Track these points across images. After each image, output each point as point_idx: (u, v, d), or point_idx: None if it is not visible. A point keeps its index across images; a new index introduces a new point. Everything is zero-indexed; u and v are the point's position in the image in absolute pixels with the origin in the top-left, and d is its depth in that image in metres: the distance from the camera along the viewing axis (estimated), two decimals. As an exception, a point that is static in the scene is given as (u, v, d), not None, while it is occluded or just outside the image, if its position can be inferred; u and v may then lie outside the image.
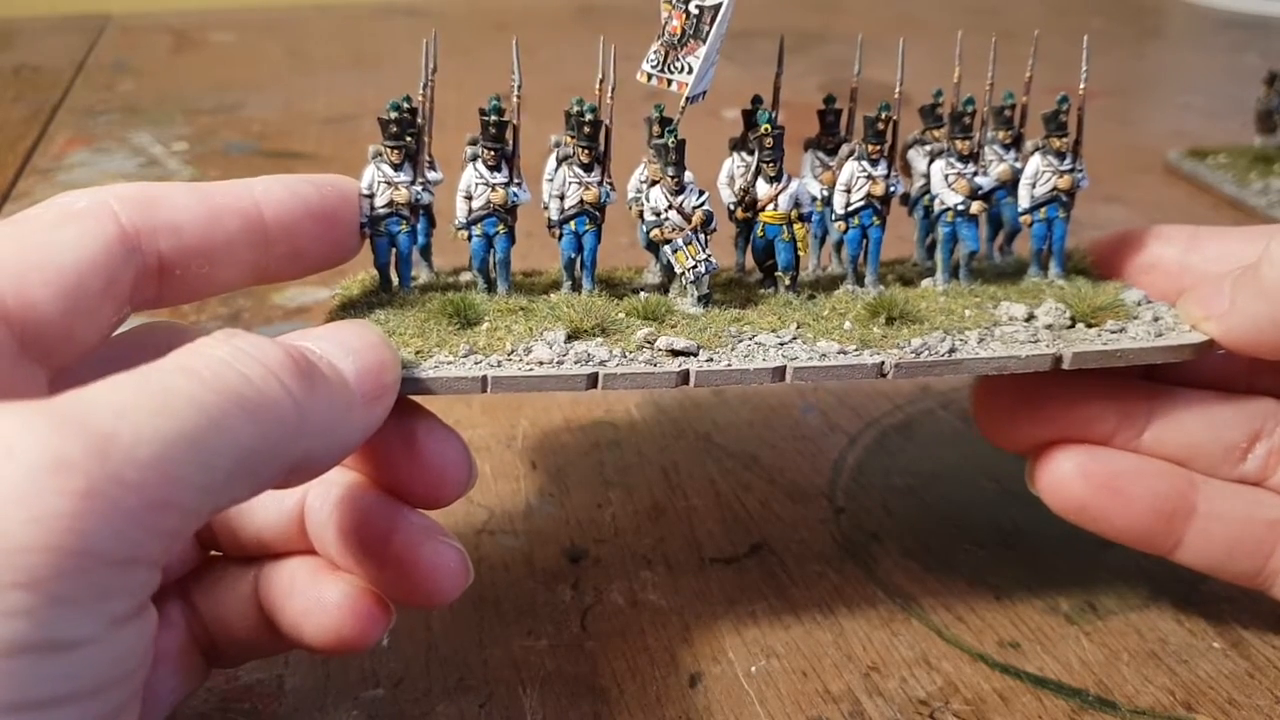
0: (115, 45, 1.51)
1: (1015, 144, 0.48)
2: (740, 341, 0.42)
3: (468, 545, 0.51)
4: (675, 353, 0.40)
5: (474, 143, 0.45)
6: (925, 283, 0.48)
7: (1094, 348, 0.41)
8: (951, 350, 0.41)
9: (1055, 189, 0.47)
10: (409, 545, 0.38)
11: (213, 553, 0.42)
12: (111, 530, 0.25)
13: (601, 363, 0.40)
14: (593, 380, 0.39)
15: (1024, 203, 0.48)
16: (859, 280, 0.47)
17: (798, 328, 0.43)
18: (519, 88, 0.44)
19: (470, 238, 0.45)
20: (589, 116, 0.44)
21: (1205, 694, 0.43)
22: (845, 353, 0.41)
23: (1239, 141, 1.01)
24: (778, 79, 0.47)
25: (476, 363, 0.39)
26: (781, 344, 0.41)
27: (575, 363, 0.40)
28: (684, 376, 0.40)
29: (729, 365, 0.40)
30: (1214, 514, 0.42)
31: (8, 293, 0.32)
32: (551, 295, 0.45)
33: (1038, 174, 0.47)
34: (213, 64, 1.43)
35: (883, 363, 0.41)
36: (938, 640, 0.46)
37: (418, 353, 0.40)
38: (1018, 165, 0.48)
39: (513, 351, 0.40)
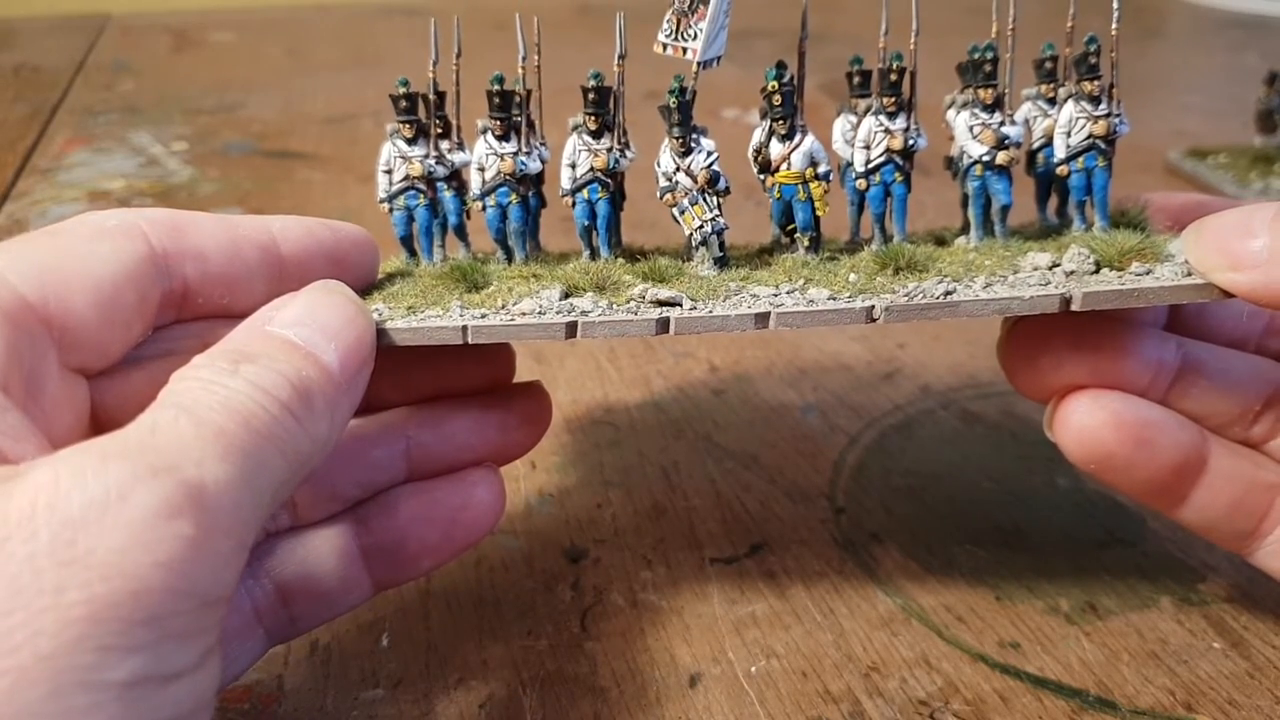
0: (115, 45, 1.51)
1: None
2: (734, 295, 0.41)
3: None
4: (660, 303, 0.40)
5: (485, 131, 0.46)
6: (958, 240, 0.46)
7: (1110, 287, 0.39)
8: (948, 293, 0.39)
9: (1091, 136, 0.44)
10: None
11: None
12: (213, 572, 0.28)
13: (584, 313, 0.39)
14: (571, 329, 0.39)
15: (1059, 152, 0.45)
16: (886, 240, 0.46)
17: (805, 282, 0.42)
18: (524, 59, 0.44)
19: (485, 209, 0.45)
20: (593, 83, 0.44)
21: (1205, 694, 0.43)
22: (835, 299, 0.40)
23: (1239, 141, 1.01)
24: (802, 43, 0.45)
25: (461, 315, 0.40)
26: (775, 295, 0.40)
27: (558, 314, 0.39)
28: (664, 324, 0.39)
29: (710, 312, 0.39)
30: (1222, 472, 0.42)
31: (51, 299, 0.33)
32: (570, 263, 0.45)
33: (1072, 121, 0.44)
34: (213, 64, 1.43)
35: (872, 307, 0.39)
36: (938, 640, 0.46)
37: (409, 308, 0.40)
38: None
39: (503, 307, 0.40)
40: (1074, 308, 0.39)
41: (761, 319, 0.39)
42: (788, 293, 0.41)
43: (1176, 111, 1.22)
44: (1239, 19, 1.68)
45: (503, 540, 0.52)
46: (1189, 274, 0.39)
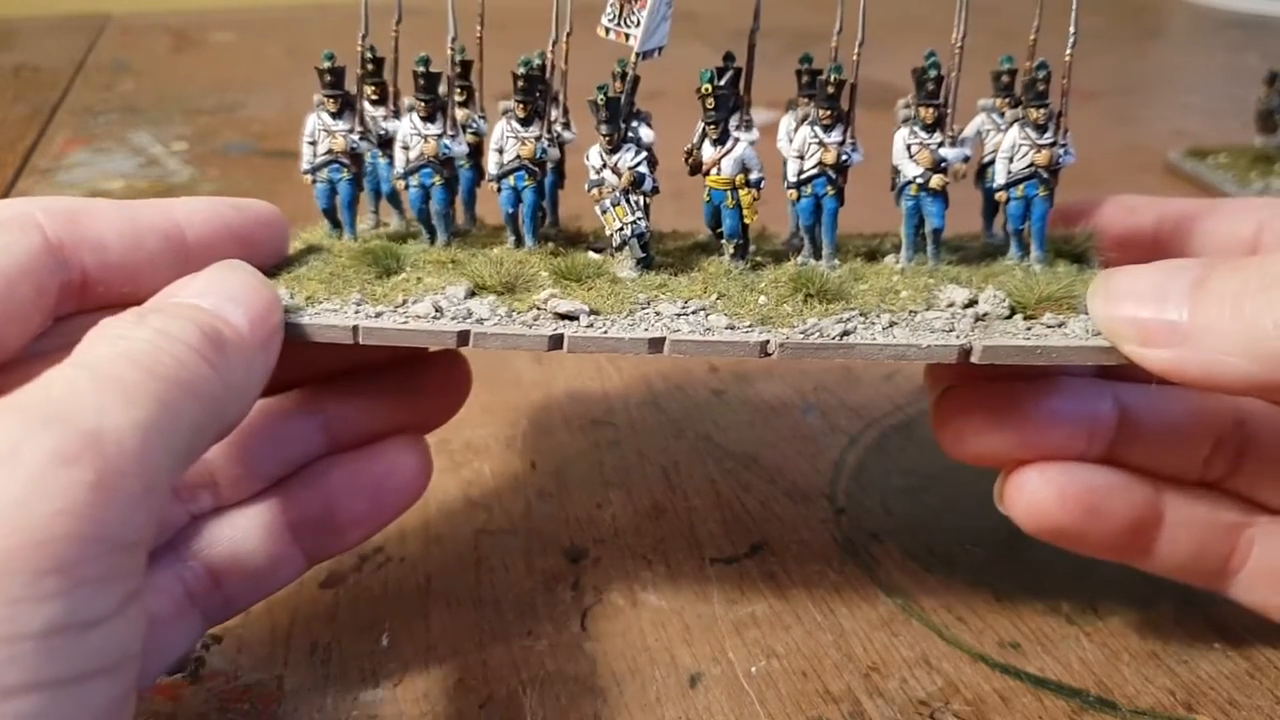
0: (115, 45, 1.51)
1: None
2: (641, 309, 0.40)
3: (467, 545, 0.52)
4: (561, 315, 0.40)
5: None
6: (888, 259, 0.45)
7: (1013, 342, 0.37)
8: (844, 334, 0.39)
9: (1033, 164, 0.43)
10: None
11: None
12: (121, 516, 0.27)
13: (479, 320, 0.39)
14: (463, 338, 0.39)
15: (1000, 178, 0.43)
16: (816, 251, 0.45)
17: (717, 299, 0.41)
18: (453, 39, 0.45)
19: (408, 188, 0.45)
20: (523, 70, 0.44)
21: (1205, 694, 0.43)
22: (733, 329, 0.39)
23: (1239, 141, 1.01)
24: (753, 35, 0.44)
25: (357, 312, 0.40)
26: (679, 315, 0.40)
27: (452, 319, 0.39)
28: (557, 340, 0.39)
29: (605, 332, 0.39)
30: (1180, 521, 0.42)
31: None
32: (494, 249, 0.45)
33: (1015, 148, 0.43)
34: (213, 64, 1.43)
35: (767, 341, 0.39)
36: (938, 641, 0.46)
37: (308, 298, 0.40)
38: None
39: (402, 304, 0.40)
40: (973, 360, 0.38)
41: (655, 344, 0.39)
42: (692, 313, 0.40)
43: (1176, 111, 1.22)
44: (1239, 19, 1.68)
45: (503, 540, 0.52)
46: (1098, 332, 0.37)
